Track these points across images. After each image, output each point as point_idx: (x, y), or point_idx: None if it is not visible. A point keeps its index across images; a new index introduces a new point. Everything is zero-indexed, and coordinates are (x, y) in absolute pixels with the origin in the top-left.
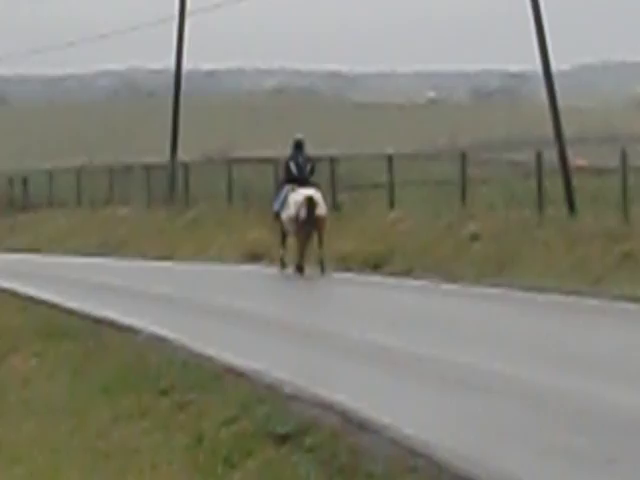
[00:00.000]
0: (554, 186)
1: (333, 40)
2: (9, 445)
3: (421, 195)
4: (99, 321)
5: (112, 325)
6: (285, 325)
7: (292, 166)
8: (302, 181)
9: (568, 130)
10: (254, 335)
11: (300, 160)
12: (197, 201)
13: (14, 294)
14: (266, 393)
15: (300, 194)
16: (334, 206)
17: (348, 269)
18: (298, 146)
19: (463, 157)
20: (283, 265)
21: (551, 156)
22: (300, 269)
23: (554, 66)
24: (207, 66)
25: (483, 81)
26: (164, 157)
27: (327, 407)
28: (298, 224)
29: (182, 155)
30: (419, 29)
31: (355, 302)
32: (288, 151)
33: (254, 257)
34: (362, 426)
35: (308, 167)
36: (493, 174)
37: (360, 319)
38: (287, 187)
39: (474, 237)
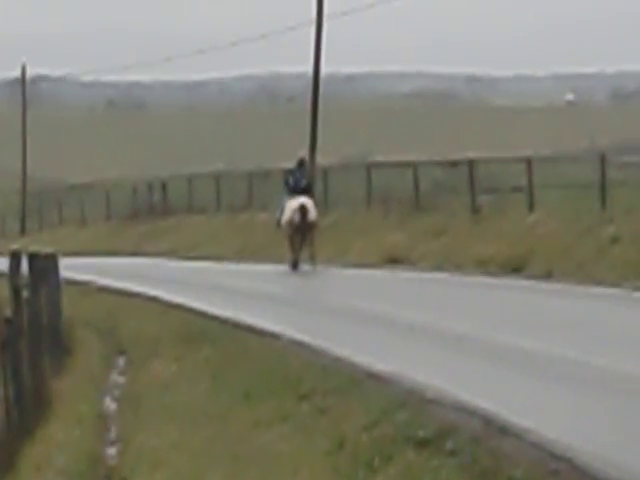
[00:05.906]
0: None
1: (471, 44)
2: (151, 450)
3: (561, 198)
4: (239, 326)
5: (252, 330)
6: (425, 329)
7: (290, 179)
8: (298, 192)
9: None
10: (393, 339)
11: (298, 175)
12: (336, 205)
13: (155, 299)
14: (407, 397)
15: (295, 202)
16: (473, 209)
17: (487, 272)
18: (301, 163)
19: (602, 159)
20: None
21: None
22: (295, 265)
23: None
24: (346, 70)
25: (622, 83)
26: None
27: (468, 411)
28: (293, 227)
29: (321, 159)
30: (557, 32)
31: (494, 306)
32: (424, 155)
33: (393, 261)
34: (503, 430)
35: (304, 181)
36: (633, 176)
37: (500, 323)
38: (287, 197)
39: (614, 240)
